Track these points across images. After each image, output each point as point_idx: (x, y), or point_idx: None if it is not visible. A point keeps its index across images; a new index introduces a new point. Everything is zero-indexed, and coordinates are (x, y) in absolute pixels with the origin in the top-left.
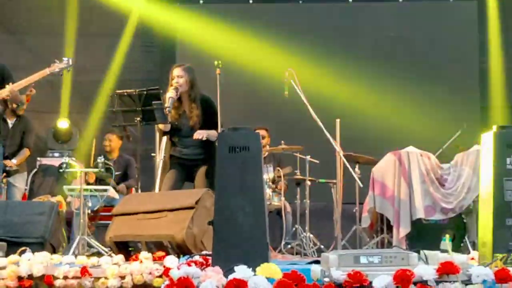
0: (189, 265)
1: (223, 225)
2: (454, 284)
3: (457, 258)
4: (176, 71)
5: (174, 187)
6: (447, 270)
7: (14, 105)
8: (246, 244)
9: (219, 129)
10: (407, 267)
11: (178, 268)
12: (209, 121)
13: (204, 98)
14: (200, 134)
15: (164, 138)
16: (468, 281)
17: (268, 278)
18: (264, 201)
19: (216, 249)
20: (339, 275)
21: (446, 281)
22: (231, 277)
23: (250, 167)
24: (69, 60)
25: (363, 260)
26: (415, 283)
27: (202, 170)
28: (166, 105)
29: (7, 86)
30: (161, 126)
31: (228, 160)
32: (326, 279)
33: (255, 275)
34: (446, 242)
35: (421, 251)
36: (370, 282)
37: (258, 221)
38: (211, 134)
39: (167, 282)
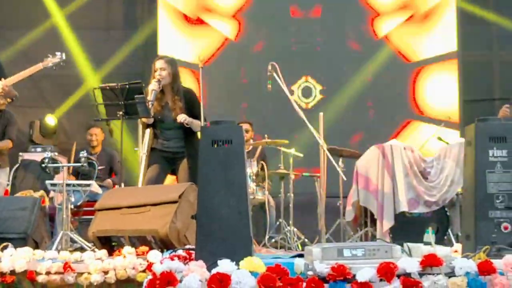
0: (172, 259)
1: (206, 219)
2: (437, 277)
3: (440, 251)
4: (159, 63)
5: (156, 180)
6: (430, 262)
7: (8, 100)
8: (230, 238)
9: (202, 123)
10: (390, 259)
11: (161, 263)
12: (192, 113)
13: (187, 90)
14: (183, 117)
15: (147, 132)
16: (451, 274)
17: (251, 272)
18: (247, 195)
19: (200, 243)
20: (323, 268)
21: (429, 274)
22: (214, 271)
23: (233, 161)
24: (62, 54)
25: (346, 253)
26: (398, 276)
27: (184, 164)
28: (148, 98)
29: None
30: (144, 119)
31: (210, 153)
32: (310, 273)
33: (238, 269)
34: (429, 234)
35: (405, 244)
36: (354, 275)
37: (242, 215)
38: (194, 122)
39: (150, 277)
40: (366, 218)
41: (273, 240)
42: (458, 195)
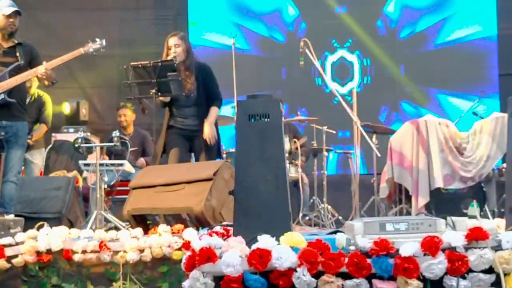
0: (210, 235)
1: (244, 194)
2: (484, 250)
3: (486, 224)
4: (173, 40)
5: (182, 160)
6: (476, 236)
7: (47, 83)
8: (268, 213)
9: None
10: (434, 233)
11: (200, 239)
12: (207, 88)
13: (201, 65)
14: (210, 139)
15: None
16: (498, 247)
17: (292, 248)
18: (285, 170)
19: (238, 219)
20: (365, 242)
21: (475, 247)
22: (254, 247)
23: (270, 136)
24: (103, 40)
25: (389, 227)
26: (443, 250)
27: (201, 142)
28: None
29: (41, 65)
30: (161, 97)
31: (247, 128)
32: (352, 247)
33: (278, 244)
34: (474, 208)
35: (448, 218)
36: (397, 250)
37: (280, 190)
38: (212, 120)
39: (189, 253)
40: (400, 195)
41: (306, 218)
42: (494, 171)
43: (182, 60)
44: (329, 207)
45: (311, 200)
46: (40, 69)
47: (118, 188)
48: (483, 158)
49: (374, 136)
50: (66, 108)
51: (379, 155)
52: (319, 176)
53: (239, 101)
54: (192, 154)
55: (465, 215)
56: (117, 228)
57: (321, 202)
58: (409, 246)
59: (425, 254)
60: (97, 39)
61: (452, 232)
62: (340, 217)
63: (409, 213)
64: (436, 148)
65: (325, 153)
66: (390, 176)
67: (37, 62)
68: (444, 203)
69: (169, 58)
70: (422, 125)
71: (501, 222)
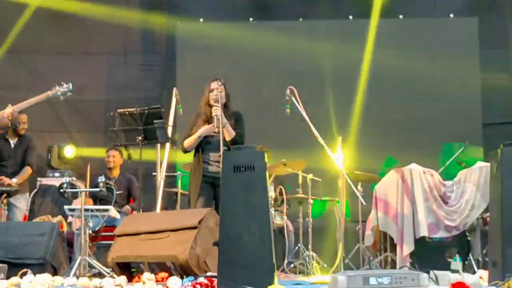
0: (194, 287)
1: (229, 245)
2: None
3: (468, 278)
4: (216, 84)
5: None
6: None
7: (10, 125)
8: (252, 265)
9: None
10: None
11: None
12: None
13: (236, 112)
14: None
15: (165, 158)
16: None
17: None
18: (269, 221)
19: (222, 270)
20: None
21: None
22: None
23: (255, 187)
24: (70, 84)
25: (372, 281)
26: None
27: None
28: (215, 124)
29: (8, 107)
30: (186, 143)
31: (233, 179)
32: None
33: None
34: (457, 262)
35: (431, 272)
36: None
37: (264, 242)
38: (229, 126)
39: None
40: (385, 243)
41: (291, 265)
42: (478, 220)
43: (223, 103)
44: (314, 254)
45: (296, 248)
46: (5, 113)
47: (103, 234)
48: (467, 208)
49: (359, 184)
50: (69, 151)
51: (364, 203)
52: (304, 223)
53: (224, 152)
54: None
55: (449, 264)
56: (101, 275)
57: (306, 249)
58: None
59: None
60: (63, 83)
61: (435, 287)
62: (325, 265)
63: (394, 261)
64: (420, 197)
65: (311, 201)
66: (375, 224)
67: None
68: (429, 252)
69: (214, 105)
70: (407, 173)
71: (485, 273)
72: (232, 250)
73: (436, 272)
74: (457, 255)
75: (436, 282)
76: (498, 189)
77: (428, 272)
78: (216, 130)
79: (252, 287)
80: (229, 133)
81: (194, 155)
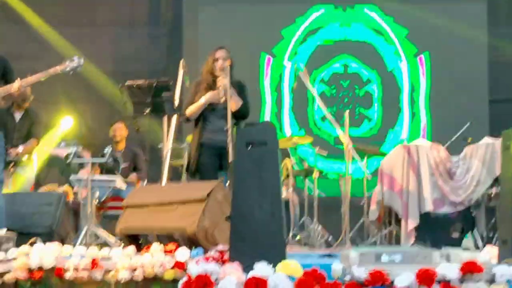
0: (207, 260)
1: (240, 220)
2: (478, 284)
3: (480, 257)
4: (222, 53)
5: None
6: (470, 269)
7: (19, 100)
8: (263, 241)
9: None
10: (429, 265)
11: (197, 264)
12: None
13: (239, 81)
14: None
15: (172, 128)
16: (492, 281)
17: (288, 276)
18: (280, 197)
19: (234, 244)
20: (361, 273)
21: (469, 280)
22: (250, 274)
23: (267, 163)
24: (81, 60)
25: (384, 258)
26: (438, 282)
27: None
28: (220, 94)
29: (16, 81)
30: (190, 111)
31: (245, 155)
32: (348, 277)
33: (274, 272)
34: (469, 239)
35: (443, 249)
36: (392, 281)
37: (275, 218)
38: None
39: (185, 279)
40: (390, 217)
41: (296, 237)
42: (483, 196)
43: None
44: (320, 227)
45: (302, 220)
46: (13, 87)
47: (109, 204)
48: (473, 183)
49: (365, 158)
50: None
51: (369, 178)
52: (309, 196)
53: (238, 129)
54: None
55: (454, 239)
56: (107, 244)
57: (312, 221)
58: (404, 278)
59: (420, 286)
60: (75, 58)
61: (447, 265)
62: (330, 238)
63: (398, 236)
64: (426, 172)
65: (316, 175)
66: (380, 199)
67: (11, 77)
68: (434, 227)
69: (221, 72)
70: (413, 149)
71: (491, 249)
72: (243, 225)
73: (449, 249)
74: (469, 234)
75: (448, 259)
76: (508, 167)
77: (440, 248)
78: (221, 100)
79: (263, 261)
80: (236, 103)
81: (196, 125)
